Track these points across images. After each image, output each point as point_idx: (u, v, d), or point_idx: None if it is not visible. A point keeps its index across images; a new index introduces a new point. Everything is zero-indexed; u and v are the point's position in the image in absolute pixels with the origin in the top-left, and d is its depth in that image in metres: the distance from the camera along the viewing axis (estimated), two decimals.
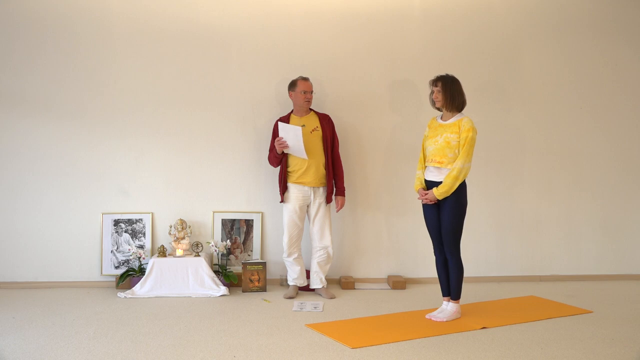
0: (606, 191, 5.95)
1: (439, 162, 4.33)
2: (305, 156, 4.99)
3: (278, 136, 5.01)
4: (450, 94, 4.35)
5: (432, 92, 4.44)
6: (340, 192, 5.22)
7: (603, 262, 5.94)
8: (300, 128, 4.91)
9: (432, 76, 4.46)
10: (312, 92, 5.13)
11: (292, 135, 4.93)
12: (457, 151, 4.29)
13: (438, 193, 4.30)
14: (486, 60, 5.78)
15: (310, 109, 5.25)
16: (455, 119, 4.37)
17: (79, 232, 5.43)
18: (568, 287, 5.58)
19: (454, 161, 4.28)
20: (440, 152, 4.33)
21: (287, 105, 5.35)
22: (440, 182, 4.32)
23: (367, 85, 5.65)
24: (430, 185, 4.42)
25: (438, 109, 4.48)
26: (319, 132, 5.14)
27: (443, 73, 4.44)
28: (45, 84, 5.37)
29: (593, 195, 5.94)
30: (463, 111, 4.42)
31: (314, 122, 5.17)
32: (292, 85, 5.15)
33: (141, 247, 5.44)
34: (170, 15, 5.45)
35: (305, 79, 5.12)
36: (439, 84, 4.38)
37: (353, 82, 5.64)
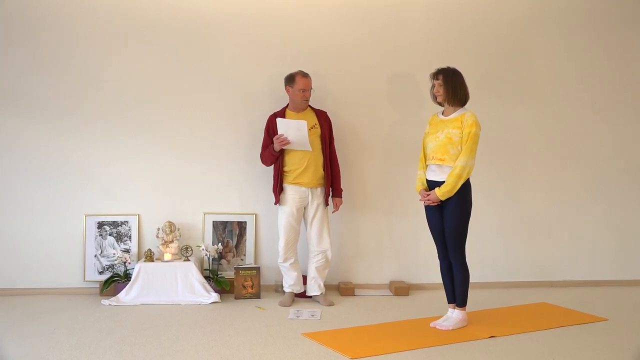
0: (621, 192, 5.96)
1: (440, 160, 4.34)
2: (309, 148, 4.98)
3: (276, 133, 5.00)
4: (452, 87, 4.35)
5: (433, 86, 4.44)
6: (338, 193, 5.23)
7: (618, 266, 5.95)
8: (305, 122, 4.92)
9: (434, 69, 4.46)
10: (311, 90, 5.12)
11: (295, 131, 4.92)
12: (459, 148, 4.30)
13: (440, 193, 4.30)
14: (491, 52, 5.79)
15: (308, 105, 5.24)
16: (457, 113, 4.37)
17: (60, 235, 5.43)
18: (581, 293, 5.59)
19: (457, 158, 4.28)
20: (442, 148, 4.33)
21: (282, 100, 5.35)
22: (443, 182, 4.32)
23: (365, 79, 5.66)
24: (432, 185, 4.42)
25: (439, 103, 4.49)
26: (317, 130, 5.14)
27: (445, 66, 4.45)
28: (28, 81, 5.37)
29: (607, 196, 5.94)
30: (466, 105, 4.42)
31: (312, 119, 5.16)
32: (290, 80, 5.12)
33: (127, 251, 5.44)
34: (157, 7, 5.45)
35: (305, 76, 5.08)
36: (440, 77, 4.39)
37: (351, 75, 5.64)
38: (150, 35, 5.47)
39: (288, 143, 4.97)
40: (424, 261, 5.67)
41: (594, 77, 5.91)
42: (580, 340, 4.17)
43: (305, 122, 4.94)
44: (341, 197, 5.25)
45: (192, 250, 5.40)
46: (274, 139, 5.00)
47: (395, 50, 5.68)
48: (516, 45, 5.82)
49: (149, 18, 5.46)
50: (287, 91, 5.15)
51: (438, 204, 4.41)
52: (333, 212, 5.30)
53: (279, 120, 4.97)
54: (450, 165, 4.31)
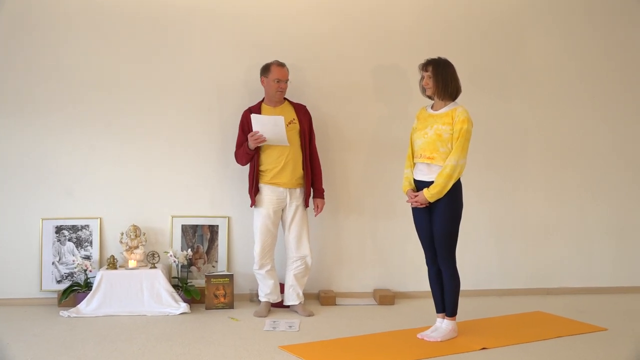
0: (622, 193, 6.02)
1: (429, 158, 4.34)
2: (286, 143, 4.97)
3: (251, 130, 4.97)
4: (442, 79, 4.36)
5: (422, 78, 4.45)
6: (319, 193, 5.22)
7: (619, 273, 6.00)
8: (282, 118, 4.90)
9: (423, 60, 4.47)
10: (287, 81, 5.11)
11: (271, 127, 4.90)
12: (449, 145, 4.30)
13: (429, 195, 4.31)
14: (485, 42, 5.81)
15: (285, 98, 5.23)
16: (447, 108, 4.38)
17: (14, 240, 5.37)
18: (579, 301, 5.63)
19: (447, 157, 4.29)
20: (431, 146, 4.34)
21: (257, 94, 5.32)
22: (432, 182, 4.33)
23: (349, 70, 5.66)
24: (420, 185, 4.42)
25: (429, 97, 4.50)
26: (296, 126, 5.12)
27: (435, 56, 4.45)
28: None
29: (607, 197, 5.99)
30: (457, 100, 4.43)
31: (290, 113, 5.15)
32: (265, 70, 5.12)
33: (87, 257, 5.39)
34: None
35: (281, 65, 5.09)
36: (430, 69, 4.39)
37: (333, 66, 5.64)
38: (113, 24, 5.42)
39: (264, 141, 4.95)
40: (411, 267, 5.67)
41: (594, 75, 5.95)
42: (577, 352, 4.19)
43: (282, 117, 4.91)
44: (323, 198, 5.24)
45: (159, 256, 5.36)
46: (248, 136, 4.97)
47: (382, 40, 5.69)
48: (512, 36, 5.85)
49: (110, 4, 5.41)
50: (262, 82, 5.15)
51: (427, 206, 4.41)
52: (315, 215, 5.29)
53: (253, 116, 4.95)
54: (439, 165, 4.31)
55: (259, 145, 4.99)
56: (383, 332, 4.66)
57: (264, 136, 4.93)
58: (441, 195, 4.30)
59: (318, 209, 5.24)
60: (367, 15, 5.67)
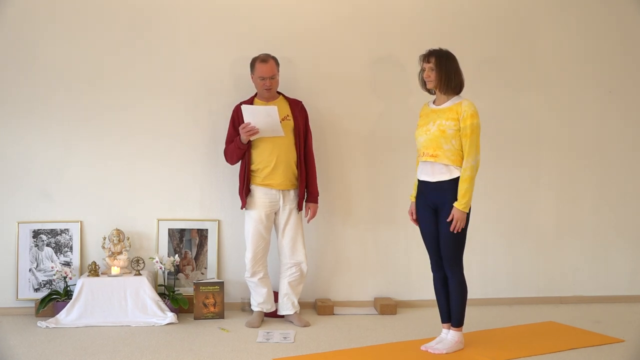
0: None
1: (432, 156, 4.35)
2: (282, 133, 4.98)
3: (242, 122, 4.98)
4: (445, 72, 4.36)
5: (423, 70, 4.45)
6: (313, 197, 5.22)
7: (637, 280, 6.02)
8: (275, 108, 4.90)
9: (424, 50, 4.47)
10: (272, 77, 5.10)
11: (264, 117, 4.90)
12: (454, 142, 4.30)
13: (462, 206, 4.26)
14: (493, 29, 5.83)
15: (279, 93, 5.25)
16: (451, 102, 4.39)
17: None
18: (594, 310, 5.65)
19: (452, 155, 4.30)
20: (434, 142, 4.34)
21: (247, 87, 5.32)
22: (436, 183, 4.34)
23: (345, 63, 5.67)
24: (423, 187, 4.43)
25: (428, 90, 4.50)
26: (290, 122, 5.14)
27: (436, 47, 4.46)
28: None
29: (625, 199, 6.02)
30: (461, 94, 4.44)
31: (284, 109, 5.16)
32: (251, 67, 5.13)
33: (67, 264, 5.40)
34: None
35: (265, 61, 5.07)
36: (432, 60, 4.39)
37: (328, 59, 5.66)
38: (91, 16, 5.43)
39: (256, 132, 4.95)
40: (415, 274, 5.69)
41: (611, 66, 5.97)
42: None
43: (275, 107, 4.91)
44: (317, 202, 5.24)
45: (144, 262, 5.37)
46: (240, 128, 4.97)
47: (380, 31, 5.70)
48: (523, 24, 5.86)
49: None
50: (252, 79, 5.16)
51: (433, 208, 4.41)
52: (307, 222, 5.29)
53: (244, 107, 4.95)
54: (443, 163, 4.32)
55: (252, 138, 5.00)
56: (384, 343, 4.67)
57: (257, 127, 4.93)
58: (470, 201, 4.29)
59: (311, 214, 5.25)
60: (366, 5, 5.67)
